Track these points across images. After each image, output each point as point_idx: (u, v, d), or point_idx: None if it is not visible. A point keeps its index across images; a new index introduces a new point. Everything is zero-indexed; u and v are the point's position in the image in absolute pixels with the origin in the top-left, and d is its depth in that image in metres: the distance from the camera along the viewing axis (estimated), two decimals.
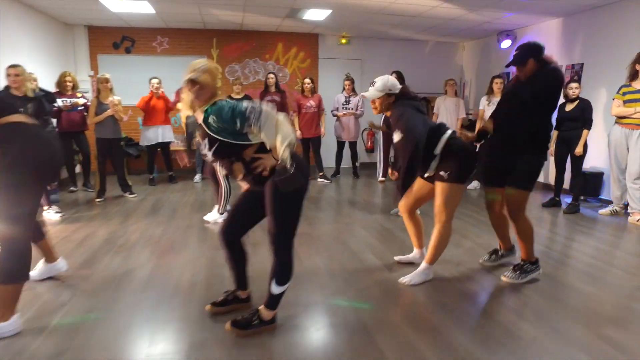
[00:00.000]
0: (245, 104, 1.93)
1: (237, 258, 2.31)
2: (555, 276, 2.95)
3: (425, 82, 7.51)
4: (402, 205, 3.00)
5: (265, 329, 2.15)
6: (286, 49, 7.53)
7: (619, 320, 2.35)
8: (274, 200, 1.98)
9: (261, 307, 2.16)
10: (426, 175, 2.82)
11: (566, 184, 5.03)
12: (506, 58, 6.93)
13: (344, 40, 7.62)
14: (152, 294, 2.63)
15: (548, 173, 5.84)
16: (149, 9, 5.54)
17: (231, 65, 7.35)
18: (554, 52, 5.74)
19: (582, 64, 5.49)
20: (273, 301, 2.14)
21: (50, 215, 4.36)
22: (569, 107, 4.69)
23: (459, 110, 6.25)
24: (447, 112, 6.21)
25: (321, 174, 6.57)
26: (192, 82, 1.99)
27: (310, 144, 6.54)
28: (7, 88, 4.12)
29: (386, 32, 7.16)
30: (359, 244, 3.60)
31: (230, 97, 6.59)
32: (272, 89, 6.54)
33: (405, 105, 2.74)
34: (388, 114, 2.85)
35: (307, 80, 6.35)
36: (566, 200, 4.97)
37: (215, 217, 4.22)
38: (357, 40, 7.72)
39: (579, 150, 4.59)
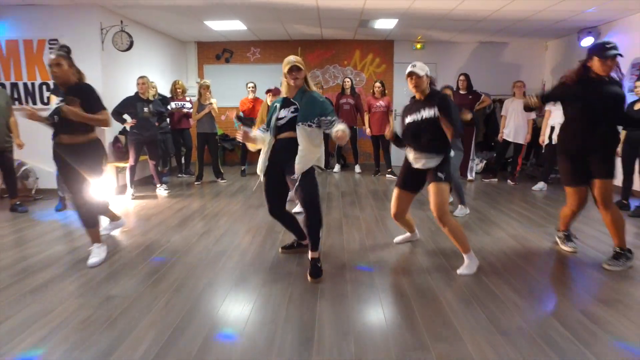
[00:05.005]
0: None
1: (288, 222, 3.21)
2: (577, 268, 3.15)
3: (504, 83, 7.53)
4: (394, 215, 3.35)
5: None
6: (363, 55, 8.18)
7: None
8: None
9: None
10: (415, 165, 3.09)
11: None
12: None
13: (419, 46, 8.00)
14: (220, 246, 3.50)
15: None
16: (241, 26, 6.66)
17: (313, 71, 8.22)
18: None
19: None
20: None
21: (160, 191, 5.60)
22: (637, 106, 4.57)
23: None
24: (516, 115, 6.24)
25: (389, 170, 7.05)
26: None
27: (379, 141, 7.06)
28: (136, 93, 5.40)
29: (458, 37, 7.38)
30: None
31: None
32: (348, 92, 7.24)
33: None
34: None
35: (377, 84, 6.91)
36: (636, 204, 4.80)
37: None
38: (432, 45, 8.04)
39: None
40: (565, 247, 3.34)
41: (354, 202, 5.13)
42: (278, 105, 2.94)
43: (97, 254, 3.11)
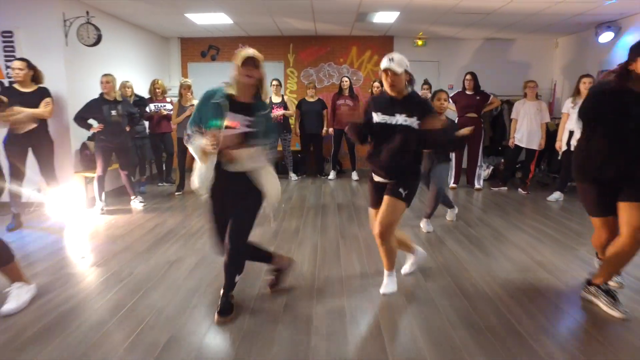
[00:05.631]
0: None
1: (250, 255, 2.60)
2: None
3: (510, 83, 7.00)
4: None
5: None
6: (360, 52, 7.59)
7: None
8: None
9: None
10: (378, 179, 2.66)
11: None
12: (605, 54, 6.17)
13: (420, 42, 7.44)
14: (192, 280, 2.90)
15: None
16: (227, 20, 6.04)
17: (306, 70, 7.63)
18: None
19: None
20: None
21: (135, 204, 4.98)
22: None
23: (542, 114, 5.68)
24: (528, 117, 5.69)
25: None
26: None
27: None
28: (101, 94, 4.74)
29: (462, 32, 6.82)
30: None
31: (304, 99, 6.82)
32: (346, 92, 6.63)
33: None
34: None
35: (375, 84, 6.33)
36: None
37: None
38: (434, 42, 7.48)
39: None
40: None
41: (352, 217, 4.55)
42: (225, 104, 2.25)
43: (15, 296, 2.42)
